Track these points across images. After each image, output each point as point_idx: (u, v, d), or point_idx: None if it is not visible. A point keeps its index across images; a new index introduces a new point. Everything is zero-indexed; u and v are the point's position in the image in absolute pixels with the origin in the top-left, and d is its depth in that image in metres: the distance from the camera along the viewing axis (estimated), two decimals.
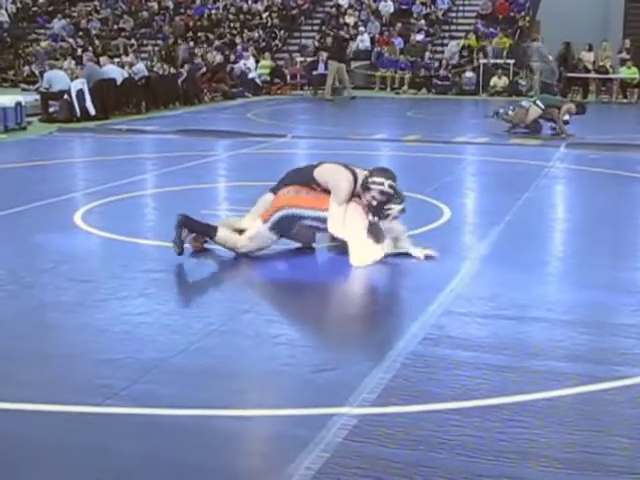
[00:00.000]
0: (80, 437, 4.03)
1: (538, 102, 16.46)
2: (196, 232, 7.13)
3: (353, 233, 6.97)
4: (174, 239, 7.00)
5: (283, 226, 7.07)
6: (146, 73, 22.07)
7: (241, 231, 7.20)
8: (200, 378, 4.74)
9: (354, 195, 7.11)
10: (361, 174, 7.15)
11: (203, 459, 3.80)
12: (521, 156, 13.59)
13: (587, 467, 3.74)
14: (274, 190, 7.37)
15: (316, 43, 29.82)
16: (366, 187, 7.04)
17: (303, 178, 7.31)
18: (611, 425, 4.17)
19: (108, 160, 13.32)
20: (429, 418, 4.22)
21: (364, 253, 6.93)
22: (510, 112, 16.56)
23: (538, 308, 5.95)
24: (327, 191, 7.11)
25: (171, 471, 3.73)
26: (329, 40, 28.11)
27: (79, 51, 28.62)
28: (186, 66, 24.35)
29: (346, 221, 7.01)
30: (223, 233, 7.09)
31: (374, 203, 7.02)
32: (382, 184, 7.03)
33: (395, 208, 7.10)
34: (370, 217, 7.01)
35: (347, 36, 26.43)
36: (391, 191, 7.05)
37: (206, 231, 7.15)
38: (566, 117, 16.00)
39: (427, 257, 7.07)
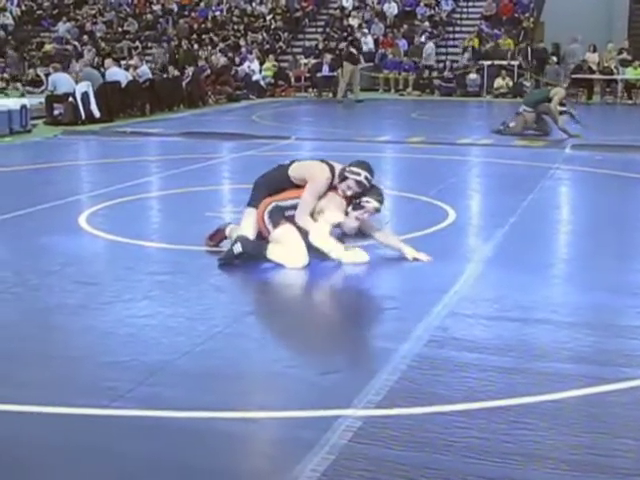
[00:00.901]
0: (85, 439, 4.03)
1: (524, 107, 16.46)
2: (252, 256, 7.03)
3: (318, 225, 7.08)
4: (225, 258, 6.95)
5: (276, 218, 7.09)
6: (150, 76, 22.09)
7: None
8: (205, 380, 4.74)
9: (331, 189, 7.16)
10: (338, 167, 7.22)
11: (208, 461, 3.80)
12: (526, 158, 13.59)
13: (593, 469, 3.73)
14: (253, 204, 7.31)
15: (320, 45, 29.83)
16: (343, 177, 7.12)
17: (279, 183, 7.31)
18: (617, 427, 4.17)
19: (113, 163, 13.34)
20: (434, 420, 4.21)
21: (323, 236, 7.02)
22: (511, 124, 16.54)
23: (543, 310, 5.94)
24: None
25: (176, 473, 3.73)
26: (344, 43, 28.14)
27: (84, 53, 28.65)
28: (190, 68, 24.31)
29: (322, 208, 7.11)
30: (274, 251, 6.99)
31: (348, 193, 7.10)
32: (359, 174, 7.10)
33: (372, 203, 7.11)
34: (348, 208, 7.11)
35: (360, 38, 26.44)
36: (367, 183, 7.11)
37: (259, 254, 7.02)
38: (560, 108, 15.91)
39: (415, 259, 7.04)
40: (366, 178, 7.09)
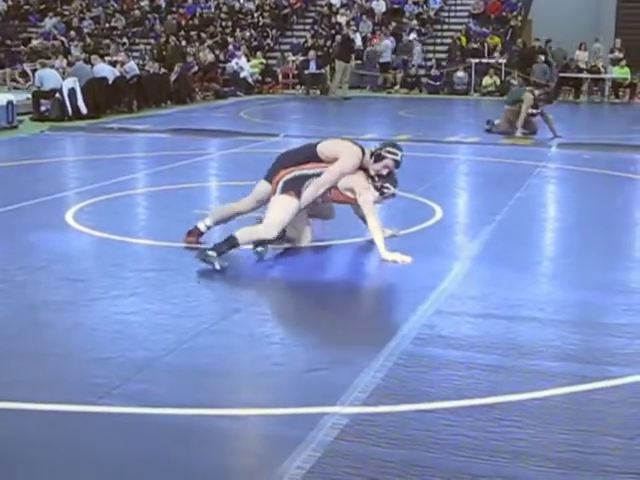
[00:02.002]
0: (71, 436, 4.02)
1: (505, 105, 16.54)
2: (225, 252, 6.91)
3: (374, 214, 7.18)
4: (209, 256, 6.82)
5: (291, 186, 7.08)
6: (137, 72, 22.04)
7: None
8: (192, 377, 4.74)
9: (359, 169, 7.22)
10: (368, 150, 7.28)
11: (195, 458, 3.80)
12: (513, 156, 13.61)
13: (579, 466, 3.75)
14: (269, 178, 7.32)
15: (309, 42, 29.81)
16: (380, 156, 7.20)
17: (303, 156, 7.31)
18: (603, 425, 4.18)
19: (100, 159, 13.30)
20: (421, 418, 4.22)
21: (378, 228, 7.12)
22: (496, 122, 16.60)
23: (529, 308, 5.96)
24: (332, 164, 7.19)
25: (163, 470, 3.73)
26: (332, 40, 28.16)
27: (72, 49, 28.59)
28: (155, 65, 24.12)
29: (351, 186, 7.18)
30: (242, 234, 6.96)
31: (384, 172, 7.20)
32: (396, 154, 7.22)
33: (391, 189, 7.19)
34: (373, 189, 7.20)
35: (352, 36, 26.48)
36: (402, 162, 7.26)
37: (231, 245, 6.94)
38: (531, 110, 15.91)
39: (394, 261, 7.03)
40: (401, 157, 7.25)
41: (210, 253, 6.71)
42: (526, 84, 24.56)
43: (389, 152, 7.20)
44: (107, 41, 31.07)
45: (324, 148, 7.28)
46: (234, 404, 4.42)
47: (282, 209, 6.97)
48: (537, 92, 16.24)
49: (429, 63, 28.50)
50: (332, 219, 7.62)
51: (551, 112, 16.48)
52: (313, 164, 7.16)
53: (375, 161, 7.19)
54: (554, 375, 4.78)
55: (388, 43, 28.90)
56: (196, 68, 25.81)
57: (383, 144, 7.35)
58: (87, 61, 21.48)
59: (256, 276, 6.80)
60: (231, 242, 6.85)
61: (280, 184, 7.07)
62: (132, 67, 21.97)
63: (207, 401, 4.38)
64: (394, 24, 30.35)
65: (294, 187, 7.01)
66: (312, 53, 27.78)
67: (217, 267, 6.67)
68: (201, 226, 7.43)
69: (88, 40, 30.97)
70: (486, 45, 28.30)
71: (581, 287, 6.49)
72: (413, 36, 29.39)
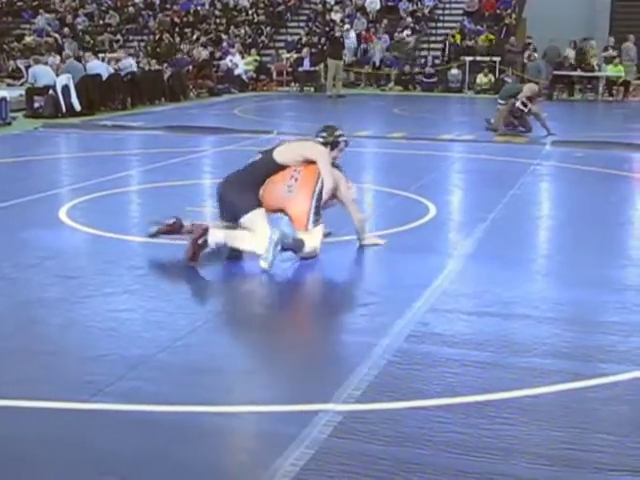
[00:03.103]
0: (65, 433, 4.02)
1: (499, 101, 16.57)
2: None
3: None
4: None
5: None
6: (135, 69, 22.01)
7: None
8: (185, 374, 4.73)
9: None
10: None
11: (188, 455, 3.80)
12: (507, 154, 13.62)
13: (572, 464, 3.75)
14: (249, 210, 6.95)
15: (303, 39, 29.80)
16: (335, 143, 7.38)
17: (264, 175, 7.07)
18: (595, 422, 4.19)
19: (93, 156, 13.29)
20: (414, 415, 4.22)
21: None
22: (492, 120, 16.63)
23: (523, 305, 5.97)
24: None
25: (156, 467, 3.73)
26: (326, 39, 28.15)
27: (65, 46, 28.53)
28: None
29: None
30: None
31: (340, 155, 7.45)
32: (344, 135, 7.52)
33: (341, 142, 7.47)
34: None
35: (340, 34, 26.50)
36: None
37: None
38: (518, 104, 15.94)
39: (374, 244, 7.26)
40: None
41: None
42: (520, 82, 24.57)
43: (338, 136, 7.41)
44: (101, 38, 31.02)
45: (283, 155, 7.13)
46: (228, 401, 4.42)
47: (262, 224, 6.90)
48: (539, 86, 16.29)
49: (423, 61, 28.48)
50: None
51: (545, 110, 16.50)
52: (286, 172, 7.08)
53: (332, 149, 7.31)
54: (547, 372, 4.78)
55: (382, 42, 28.90)
56: (190, 66, 25.78)
57: (323, 130, 7.46)
58: (79, 59, 21.45)
59: (250, 274, 6.79)
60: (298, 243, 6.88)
61: (310, 217, 6.94)
62: (127, 64, 21.91)
63: (201, 398, 4.37)
64: (388, 22, 30.30)
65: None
66: (305, 50, 27.83)
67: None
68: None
69: (87, 38, 30.89)
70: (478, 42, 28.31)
71: (575, 285, 6.50)
72: (407, 33, 29.37)
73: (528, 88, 16.13)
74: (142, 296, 6.09)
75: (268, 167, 7.11)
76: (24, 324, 5.59)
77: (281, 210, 7.05)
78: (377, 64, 28.77)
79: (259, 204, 6.92)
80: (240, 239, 6.85)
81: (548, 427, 4.11)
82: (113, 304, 5.87)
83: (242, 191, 6.95)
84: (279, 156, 7.14)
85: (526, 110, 15.88)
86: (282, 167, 7.11)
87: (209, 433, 4.05)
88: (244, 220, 6.88)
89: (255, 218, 6.87)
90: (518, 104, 15.86)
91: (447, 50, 28.48)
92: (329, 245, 7.26)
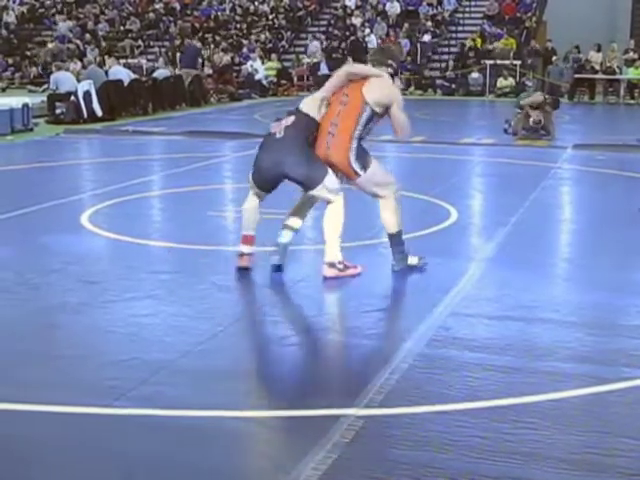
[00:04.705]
0: (87, 438, 4.04)
1: (515, 108, 16.59)
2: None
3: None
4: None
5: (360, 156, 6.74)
6: (169, 74, 22.18)
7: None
8: (207, 379, 4.75)
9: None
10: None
11: (210, 460, 3.80)
12: (528, 157, 13.59)
13: (594, 468, 3.74)
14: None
15: (323, 44, 29.83)
16: (389, 64, 6.96)
17: (308, 131, 6.70)
18: (618, 426, 4.17)
19: (115, 161, 13.35)
20: (436, 419, 4.22)
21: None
22: (512, 123, 16.62)
23: (545, 309, 5.95)
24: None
25: (178, 471, 3.74)
26: (348, 43, 28.25)
27: (87, 52, 28.69)
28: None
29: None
30: (391, 223, 6.78)
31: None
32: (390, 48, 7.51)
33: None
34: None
35: (367, 39, 26.55)
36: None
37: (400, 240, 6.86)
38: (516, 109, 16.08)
39: None
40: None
41: (404, 260, 6.78)
42: (542, 85, 24.54)
43: (393, 55, 7.13)
44: (122, 44, 31.17)
45: (310, 103, 6.81)
46: (249, 406, 4.43)
47: (380, 172, 6.87)
48: (546, 96, 16.29)
49: (443, 65, 28.45)
50: None
51: (567, 113, 16.44)
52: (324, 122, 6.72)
53: (394, 74, 7.08)
54: (569, 377, 4.77)
55: (315, 44, 28.94)
56: (211, 70, 25.87)
57: (385, 56, 7.01)
58: (100, 64, 21.56)
59: (271, 279, 6.80)
60: (399, 237, 6.84)
61: (353, 164, 6.62)
62: (162, 72, 22.18)
63: (222, 403, 4.39)
64: (408, 25, 30.29)
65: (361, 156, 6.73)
66: (319, 54, 27.81)
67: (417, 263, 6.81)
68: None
69: (103, 43, 31.07)
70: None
71: (596, 288, 6.47)
72: (427, 37, 29.36)
73: (533, 97, 16.12)
74: (164, 301, 6.11)
75: (308, 124, 6.72)
76: (46, 329, 5.62)
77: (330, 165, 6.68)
78: None
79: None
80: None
81: (570, 431, 4.09)
82: (135, 309, 5.90)
83: (308, 160, 6.62)
84: (315, 108, 6.76)
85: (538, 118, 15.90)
86: (314, 120, 6.75)
87: (230, 438, 4.06)
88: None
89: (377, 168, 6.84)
90: (516, 109, 16.00)
91: (464, 53, 28.39)
92: (348, 249, 7.25)
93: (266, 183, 6.81)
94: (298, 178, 6.61)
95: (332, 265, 6.61)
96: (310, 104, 6.81)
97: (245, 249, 6.81)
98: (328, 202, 6.63)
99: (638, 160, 13.40)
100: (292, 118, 6.74)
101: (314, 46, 28.48)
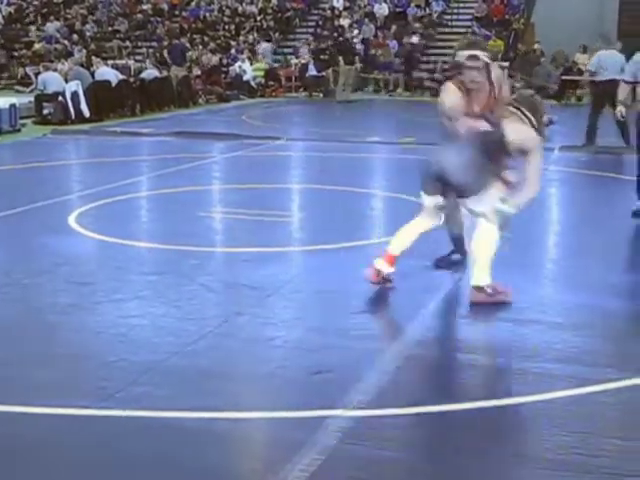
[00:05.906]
0: (76, 439, 4.04)
1: None
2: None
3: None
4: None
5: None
6: (156, 75, 22.18)
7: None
8: (195, 380, 4.75)
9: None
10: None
11: (198, 461, 3.81)
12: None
13: (579, 469, 3.76)
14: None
15: (311, 45, 29.84)
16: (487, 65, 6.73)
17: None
18: (604, 427, 4.20)
19: (103, 162, 13.33)
20: (424, 420, 4.23)
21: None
22: None
23: (532, 310, 5.97)
24: None
25: (166, 472, 3.75)
26: (337, 44, 28.28)
27: (75, 53, 28.61)
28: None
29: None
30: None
31: None
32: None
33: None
34: None
35: (355, 40, 26.58)
36: None
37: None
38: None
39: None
40: None
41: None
42: (528, 87, 24.56)
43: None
44: (110, 44, 31.11)
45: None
46: (237, 407, 4.43)
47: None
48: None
49: (432, 66, 28.49)
50: None
51: (555, 115, 16.46)
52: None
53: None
54: (556, 378, 4.79)
55: (305, 51, 29.01)
56: (199, 71, 25.86)
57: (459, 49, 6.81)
58: (85, 65, 21.53)
59: (259, 280, 6.81)
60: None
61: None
62: (151, 73, 22.19)
63: (210, 404, 4.39)
64: (396, 27, 30.33)
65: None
66: (307, 56, 27.86)
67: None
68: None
69: (92, 45, 31.01)
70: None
71: (583, 290, 6.49)
72: (416, 39, 29.40)
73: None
74: (152, 302, 6.12)
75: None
76: (36, 330, 5.61)
77: None
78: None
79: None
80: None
81: (557, 432, 4.10)
82: (124, 310, 5.90)
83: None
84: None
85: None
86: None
87: (219, 439, 4.07)
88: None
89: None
90: None
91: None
92: (339, 251, 7.28)
93: None
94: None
95: (480, 289, 6.14)
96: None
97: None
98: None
99: (624, 161, 13.42)
100: None
101: (304, 51, 28.51)
